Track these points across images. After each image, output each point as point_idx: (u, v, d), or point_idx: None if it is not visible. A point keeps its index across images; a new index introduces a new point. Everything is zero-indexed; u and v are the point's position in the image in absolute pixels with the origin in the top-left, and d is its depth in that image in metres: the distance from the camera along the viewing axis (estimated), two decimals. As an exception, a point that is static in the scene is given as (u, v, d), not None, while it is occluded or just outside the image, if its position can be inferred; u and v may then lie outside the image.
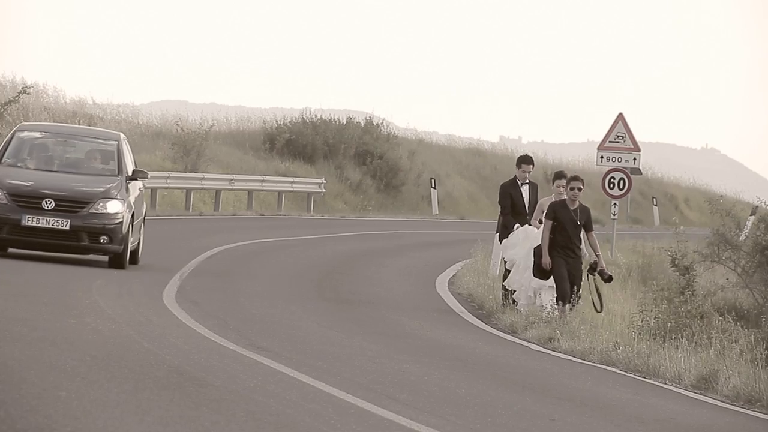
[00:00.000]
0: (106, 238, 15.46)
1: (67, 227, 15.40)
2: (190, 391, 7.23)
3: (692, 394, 10.87)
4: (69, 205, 15.57)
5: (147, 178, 17.23)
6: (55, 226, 15.39)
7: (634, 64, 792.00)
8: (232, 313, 12.99)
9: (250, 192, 38.51)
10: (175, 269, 16.62)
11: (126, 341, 9.51)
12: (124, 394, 6.75)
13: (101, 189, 15.83)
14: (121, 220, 15.58)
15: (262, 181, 38.86)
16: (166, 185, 34.50)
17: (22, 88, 32.95)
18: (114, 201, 15.66)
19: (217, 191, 36.78)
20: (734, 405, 10.44)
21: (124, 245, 15.63)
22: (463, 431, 7.32)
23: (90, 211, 15.55)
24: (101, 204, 15.60)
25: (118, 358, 8.33)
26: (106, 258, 15.97)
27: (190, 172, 36.95)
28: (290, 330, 12.16)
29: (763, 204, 24.31)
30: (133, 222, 15.92)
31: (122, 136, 17.23)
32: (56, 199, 15.50)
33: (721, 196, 35.88)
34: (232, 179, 37.37)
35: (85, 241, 15.53)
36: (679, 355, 12.08)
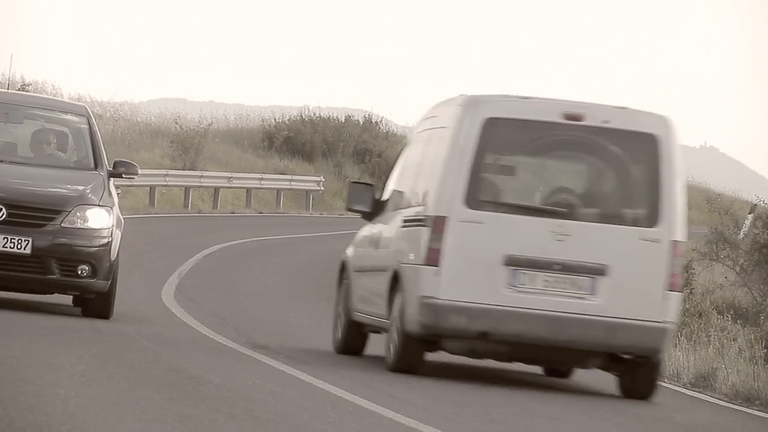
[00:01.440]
0: (86, 268, 10.03)
1: (28, 251, 9.95)
2: (189, 390, 7.22)
3: (691, 393, 10.88)
4: (30, 215, 10.07)
5: (137, 174, 11.38)
6: (9, 249, 9.93)
7: (632, 63, 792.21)
8: (231, 311, 12.99)
9: (248, 190, 38.50)
10: (173, 267, 16.60)
11: (125, 339, 9.51)
12: (123, 392, 6.75)
13: (75, 191, 10.30)
14: (108, 239, 10.19)
15: (261, 179, 38.88)
16: (165, 183, 34.51)
17: (21, 86, 32.91)
18: (96, 209, 10.18)
19: (216, 189, 36.79)
20: (733, 403, 10.45)
21: (112, 279, 10.31)
22: (462, 429, 7.32)
23: (62, 224, 10.07)
24: (78, 214, 10.11)
25: (117, 355, 8.32)
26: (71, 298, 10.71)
27: (189, 170, 37.00)
28: (289, 328, 12.15)
29: (761, 202, 24.31)
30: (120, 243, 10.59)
31: (89, 110, 11.54)
32: (9, 205, 9.99)
33: (720, 194, 35.89)
34: (230, 177, 37.39)
35: (54, 272, 10.06)
36: (678, 353, 12.10)
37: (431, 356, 9.70)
